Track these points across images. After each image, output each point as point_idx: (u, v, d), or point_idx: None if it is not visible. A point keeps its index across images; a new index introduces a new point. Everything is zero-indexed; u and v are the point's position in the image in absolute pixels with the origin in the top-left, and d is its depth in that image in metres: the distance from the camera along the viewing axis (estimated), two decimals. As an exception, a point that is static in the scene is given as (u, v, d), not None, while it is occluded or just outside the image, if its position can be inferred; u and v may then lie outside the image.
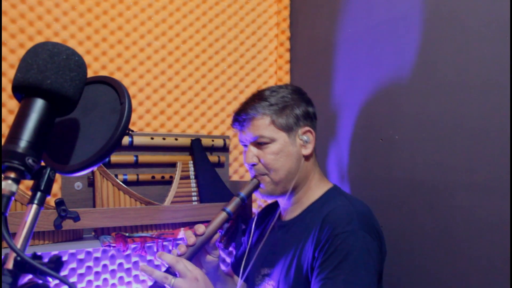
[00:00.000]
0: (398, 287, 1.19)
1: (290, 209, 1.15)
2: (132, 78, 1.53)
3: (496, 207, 0.94)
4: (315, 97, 1.41)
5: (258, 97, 1.11)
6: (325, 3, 1.59)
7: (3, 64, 1.33)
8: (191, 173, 1.49)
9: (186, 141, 1.51)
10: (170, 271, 0.97)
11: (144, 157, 1.45)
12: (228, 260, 1.57)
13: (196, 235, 1.03)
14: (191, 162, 1.50)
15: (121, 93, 0.68)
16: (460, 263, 1.03)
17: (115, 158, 1.40)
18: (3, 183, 0.53)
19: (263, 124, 1.07)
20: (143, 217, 1.29)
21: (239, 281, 1.17)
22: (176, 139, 1.49)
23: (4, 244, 0.51)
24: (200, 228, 1.04)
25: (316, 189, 1.12)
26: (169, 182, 1.46)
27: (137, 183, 1.43)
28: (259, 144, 1.08)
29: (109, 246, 1.25)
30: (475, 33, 1.00)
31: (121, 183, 1.33)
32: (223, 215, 1.07)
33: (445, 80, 1.08)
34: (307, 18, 1.71)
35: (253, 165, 1.09)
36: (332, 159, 1.50)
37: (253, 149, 1.09)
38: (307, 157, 1.11)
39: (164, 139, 1.47)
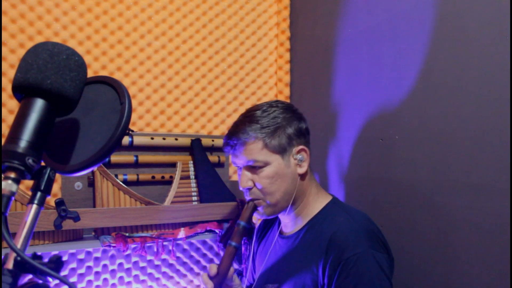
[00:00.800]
0: (397, 287, 1.19)
1: (290, 224, 1.15)
2: (132, 78, 1.53)
3: (496, 207, 0.94)
4: (315, 97, 1.40)
5: (249, 119, 1.08)
6: (325, 3, 1.59)
7: (3, 64, 1.33)
8: (191, 173, 1.49)
9: (186, 141, 1.51)
10: None
11: (144, 157, 1.45)
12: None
13: (211, 278, 1.04)
14: (191, 162, 1.50)
15: (121, 93, 0.68)
16: (460, 263, 1.03)
17: (115, 158, 1.40)
18: (3, 183, 0.53)
19: (255, 148, 1.05)
20: (143, 217, 1.29)
21: None
22: (176, 139, 1.49)
23: (4, 244, 0.51)
24: (213, 269, 1.05)
25: (314, 203, 1.12)
26: (169, 182, 1.46)
27: (137, 183, 1.43)
28: (253, 167, 1.07)
29: (109, 246, 1.25)
30: (475, 33, 1.00)
31: (121, 183, 1.33)
32: (231, 250, 1.08)
33: (445, 80, 1.08)
34: (307, 18, 1.71)
35: (249, 189, 1.08)
36: (332, 159, 1.50)
37: (247, 173, 1.08)
38: (302, 176, 1.10)
39: (164, 139, 1.47)
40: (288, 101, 1.76)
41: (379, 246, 0.97)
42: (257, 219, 1.17)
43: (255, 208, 1.10)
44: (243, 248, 1.44)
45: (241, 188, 1.10)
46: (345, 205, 1.12)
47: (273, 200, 1.07)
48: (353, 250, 0.94)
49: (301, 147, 1.09)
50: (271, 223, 1.27)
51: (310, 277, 1.01)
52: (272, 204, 1.08)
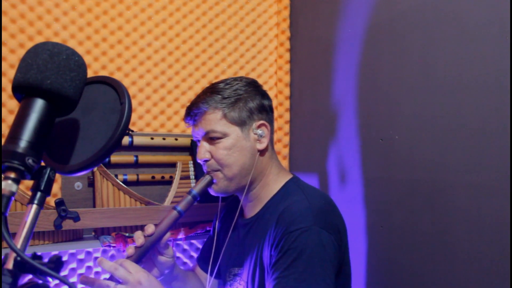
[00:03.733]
0: (398, 287, 1.19)
1: (250, 206, 1.13)
2: (132, 78, 1.53)
3: (496, 207, 0.95)
4: (315, 97, 1.41)
5: (211, 90, 1.07)
6: (325, 3, 1.59)
7: (3, 64, 1.33)
8: (191, 173, 1.49)
9: (186, 141, 1.51)
10: (113, 278, 0.93)
11: (144, 157, 1.45)
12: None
13: (145, 236, 1.01)
14: (191, 162, 1.50)
15: (121, 93, 0.68)
16: (460, 263, 1.03)
17: (115, 158, 1.40)
18: (3, 183, 0.53)
19: (214, 118, 1.04)
20: (143, 217, 1.29)
21: (208, 278, 1.16)
22: (176, 139, 1.49)
23: (4, 244, 0.51)
24: (149, 228, 1.01)
25: (274, 183, 1.10)
26: (169, 182, 1.46)
27: (137, 183, 1.43)
28: (211, 139, 1.05)
29: (109, 246, 1.25)
30: (475, 33, 1.00)
31: (121, 183, 1.33)
32: (173, 214, 1.04)
33: (445, 80, 1.08)
34: (307, 18, 1.71)
35: (206, 161, 1.06)
36: (332, 159, 1.50)
37: (205, 145, 1.06)
38: (262, 152, 1.08)
39: (164, 139, 1.47)
40: (288, 101, 1.76)
41: (327, 225, 0.95)
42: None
43: (210, 183, 1.07)
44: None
45: (198, 160, 1.08)
46: (304, 185, 1.09)
47: (230, 173, 1.05)
48: (298, 225, 0.92)
49: (261, 122, 1.08)
50: (234, 207, 1.24)
51: (264, 253, 1.00)
52: (228, 177, 1.06)
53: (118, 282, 0.92)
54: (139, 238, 1.00)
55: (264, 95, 1.12)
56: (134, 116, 1.52)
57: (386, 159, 1.26)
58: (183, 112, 1.61)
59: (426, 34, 1.14)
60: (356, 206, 1.35)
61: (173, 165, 1.49)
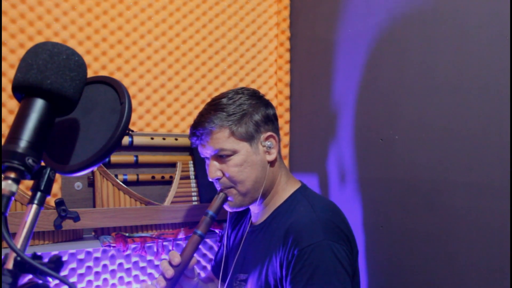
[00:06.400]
0: (397, 286, 1.19)
1: (259, 214, 1.14)
2: (132, 78, 1.53)
3: (496, 207, 0.95)
4: (315, 97, 1.41)
5: (214, 107, 1.06)
6: (325, 3, 1.59)
7: (3, 64, 1.33)
8: (191, 173, 1.49)
9: (186, 141, 1.51)
10: None
11: (144, 157, 1.45)
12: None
13: (173, 266, 1.02)
14: (191, 162, 1.50)
15: (121, 93, 0.68)
16: (459, 263, 1.03)
17: (115, 158, 1.40)
18: (3, 183, 0.53)
19: (222, 137, 1.03)
20: (143, 217, 1.29)
21: (219, 285, 1.17)
22: (176, 139, 1.49)
23: (4, 244, 0.51)
24: (176, 258, 1.02)
25: (282, 192, 1.11)
26: (169, 182, 1.46)
27: (137, 183, 1.43)
28: (220, 157, 1.05)
29: (109, 246, 1.25)
30: (475, 33, 1.00)
31: (121, 183, 1.33)
32: (195, 238, 1.06)
33: (445, 80, 1.08)
34: (307, 18, 1.71)
35: (218, 179, 1.06)
36: (332, 159, 1.50)
37: (215, 163, 1.06)
38: (272, 163, 1.09)
39: (164, 139, 1.47)
40: (288, 101, 1.76)
41: (337, 237, 0.95)
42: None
43: (225, 199, 1.08)
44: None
45: (210, 179, 1.08)
46: (311, 194, 1.10)
47: (244, 188, 1.05)
48: (309, 241, 0.92)
49: (269, 133, 1.08)
50: (243, 214, 1.25)
51: (271, 268, 1.00)
52: (242, 193, 1.06)
53: None
54: (168, 269, 1.01)
55: (267, 104, 1.11)
56: (134, 116, 1.52)
57: (386, 159, 1.26)
58: (183, 112, 1.61)
59: (426, 34, 1.14)
60: (355, 206, 1.35)
61: (173, 165, 1.49)
